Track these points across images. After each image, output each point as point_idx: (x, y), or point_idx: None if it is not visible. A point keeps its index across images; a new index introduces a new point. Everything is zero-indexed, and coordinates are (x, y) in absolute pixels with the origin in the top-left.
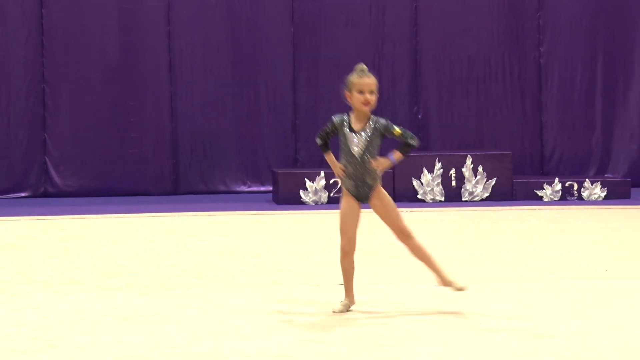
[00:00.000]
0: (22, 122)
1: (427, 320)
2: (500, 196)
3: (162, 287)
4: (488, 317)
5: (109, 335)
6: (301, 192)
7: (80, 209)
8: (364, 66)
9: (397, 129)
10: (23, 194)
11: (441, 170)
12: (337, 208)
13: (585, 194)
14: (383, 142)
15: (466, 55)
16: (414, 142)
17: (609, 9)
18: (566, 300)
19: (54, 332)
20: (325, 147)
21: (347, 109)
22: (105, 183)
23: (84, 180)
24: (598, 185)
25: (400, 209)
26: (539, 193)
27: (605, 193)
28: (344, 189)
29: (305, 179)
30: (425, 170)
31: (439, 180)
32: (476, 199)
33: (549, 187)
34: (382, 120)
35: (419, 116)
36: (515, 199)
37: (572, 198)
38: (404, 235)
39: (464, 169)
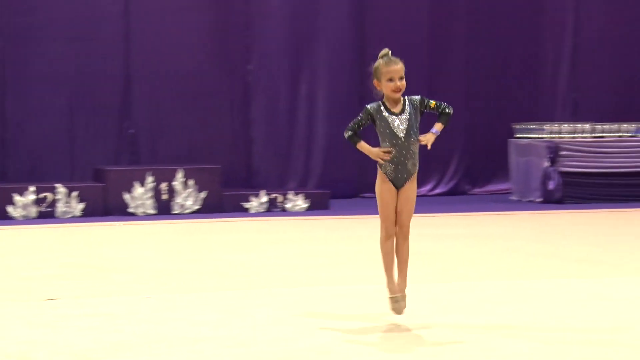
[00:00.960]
0: None
1: (133, 332)
2: (210, 209)
3: None
4: (196, 326)
5: None
6: (9, 207)
7: None
8: (389, 51)
9: (433, 102)
10: None
11: (153, 183)
12: (48, 222)
13: (289, 206)
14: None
15: (177, 72)
16: (450, 110)
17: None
18: (271, 307)
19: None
20: (357, 137)
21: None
22: None
23: None
24: (300, 197)
25: (112, 222)
26: (246, 205)
27: (307, 204)
28: (380, 174)
29: (12, 194)
30: (136, 184)
31: (151, 194)
32: (187, 211)
33: (256, 199)
34: (416, 97)
35: (131, 131)
36: (225, 211)
37: (277, 210)
38: (403, 232)
39: (175, 183)
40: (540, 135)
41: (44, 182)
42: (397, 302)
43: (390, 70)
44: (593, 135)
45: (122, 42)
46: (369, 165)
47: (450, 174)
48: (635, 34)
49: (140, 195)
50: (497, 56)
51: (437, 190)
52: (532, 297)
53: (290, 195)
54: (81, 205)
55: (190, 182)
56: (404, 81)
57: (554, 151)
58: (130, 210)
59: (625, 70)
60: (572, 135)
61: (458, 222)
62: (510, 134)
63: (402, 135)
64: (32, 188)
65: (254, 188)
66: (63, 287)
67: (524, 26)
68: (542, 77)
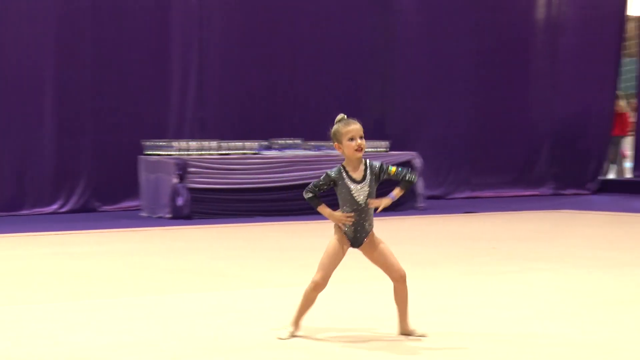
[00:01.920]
0: None
1: None
2: None
3: None
4: None
5: None
6: None
7: None
8: (344, 116)
9: (392, 168)
10: None
11: None
12: None
13: None
14: None
15: None
16: (412, 178)
17: None
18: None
19: None
20: (317, 199)
21: None
22: None
23: None
24: None
25: None
26: None
27: None
28: (338, 231)
29: None
30: None
31: None
32: None
33: None
34: (376, 163)
35: None
36: None
37: None
38: (402, 278)
39: None
40: (169, 152)
41: None
42: (286, 333)
43: (350, 130)
44: (219, 152)
45: None
46: None
47: (79, 191)
48: (255, 55)
49: None
50: (125, 78)
51: (66, 208)
52: (163, 311)
53: None
54: None
55: None
56: (364, 140)
57: (182, 168)
58: None
59: (246, 90)
60: (199, 153)
61: (88, 239)
62: (140, 150)
63: (362, 202)
64: None
65: None
66: None
67: (152, 47)
68: (170, 96)
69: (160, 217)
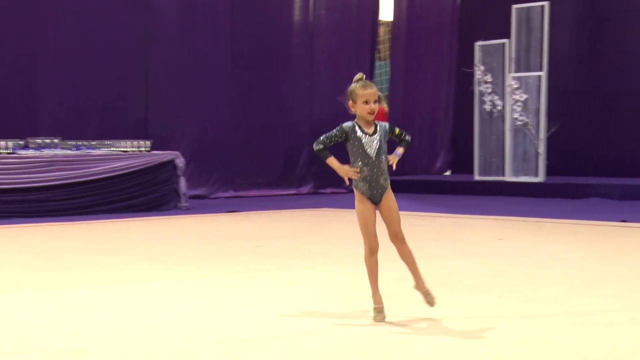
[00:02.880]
0: None
1: None
2: None
3: None
4: None
5: None
6: None
7: None
8: (363, 76)
9: (397, 129)
10: None
11: None
12: None
13: None
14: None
15: None
16: (409, 138)
17: None
18: None
19: None
20: (327, 151)
21: None
22: None
23: None
24: None
25: None
26: None
27: None
28: (357, 194)
29: None
30: None
31: None
32: None
33: None
34: (384, 123)
35: None
36: None
37: None
38: (399, 239)
39: None
40: None
41: None
42: (380, 313)
43: (366, 94)
44: None
45: None
46: None
47: None
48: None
49: None
50: None
51: None
52: None
53: None
54: None
55: None
56: (377, 105)
57: None
58: None
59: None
60: None
61: None
62: None
63: (373, 154)
64: None
65: None
66: None
67: None
68: None
69: None
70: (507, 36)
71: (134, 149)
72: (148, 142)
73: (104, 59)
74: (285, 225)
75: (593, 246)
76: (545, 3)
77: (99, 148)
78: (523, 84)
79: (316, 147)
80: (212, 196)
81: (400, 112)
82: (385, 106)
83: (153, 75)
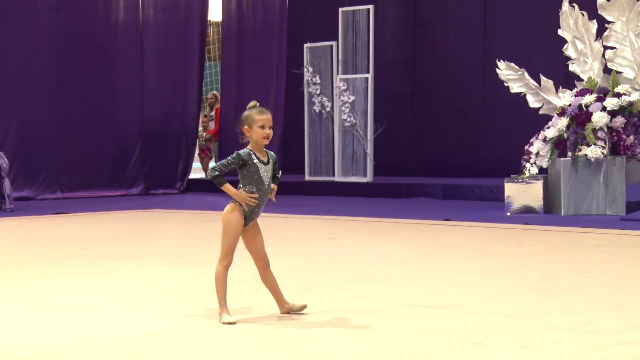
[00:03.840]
0: None
1: None
2: None
3: None
4: None
5: None
6: None
7: None
8: (257, 103)
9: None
10: None
11: None
12: None
13: None
14: None
15: None
16: (280, 174)
17: None
18: None
19: None
20: (222, 178)
21: None
22: None
23: None
24: None
25: None
26: None
27: None
28: (236, 205)
29: None
30: None
31: None
32: None
33: None
34: (273, 153)
35: None
36: None
37: None
38: (265, 263)
39: None
40: None
41: None
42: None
43: (262, 119)
44: None
45: None
46: None
47: None
48: None
49: None
50: None
51: None
52: None
53: None
54: None
55: None
56: (271, 130)
57: None
58: None
59: None
60: None
61: None
62: None
63: (266, 182)
64: None
65: None
66: None
67: None
68: None
69: None
70: (335, 38)
71: None
72: None
73: None
74: (114, 227)
75: (417, 244)
76: (370, 7)
77: None
78: (350, 85)
79: (211, 174)
80: (39, 197)
81: (231, 111)
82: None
83: None
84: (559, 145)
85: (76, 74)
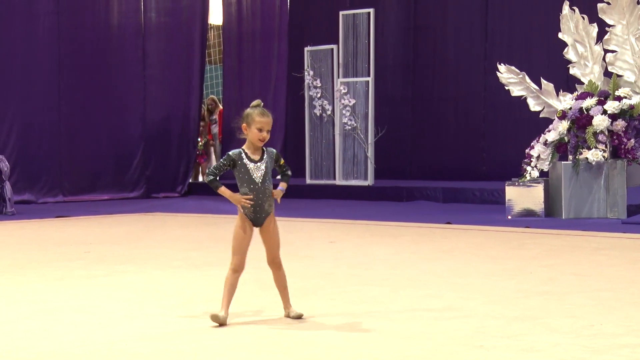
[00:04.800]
0: None
1: None
2: None
3: None
4: None
5: None
6: None
7: None
8: (261, 103)
9: (282, 160)
10: None
11: None
12: None
13: None
14: None
15: None
16: (290, 172)
17: None
18: None
19: None
20: (217, 182)
21: None
22: None
23: None
24: None
25: None
26: None
27: None
28: (241, 214)
29: None
30: None
31: None
32: None
33: None
34: (272, 149)
35: None
36: None
37: None
38: (276, 264)
39: None
40: None
41: None
42: (220, 322)
43: (262, 121)
44: None
45: None
46: None
47: None
48: None
49: None
50: None
51: None
52: None
53: None
54: None
55: None
56: (269, 134)
57: None
58: None
59: None
60: None
61: None
62: None
63: (259, 181)
64: None
65: None
66: None
67: None
68: None
69: None
70: (336, 42)
71: None
72: None
73: None
74: (115, 230)
75: (418, 247)
76: (371, 10)
77: None
78: (351, 89)
79: (207, 179)
80: (41, 201)
81: (233, 114)
82: (220, 106)
83: None
84: (560, 149)
85: (77, 78)
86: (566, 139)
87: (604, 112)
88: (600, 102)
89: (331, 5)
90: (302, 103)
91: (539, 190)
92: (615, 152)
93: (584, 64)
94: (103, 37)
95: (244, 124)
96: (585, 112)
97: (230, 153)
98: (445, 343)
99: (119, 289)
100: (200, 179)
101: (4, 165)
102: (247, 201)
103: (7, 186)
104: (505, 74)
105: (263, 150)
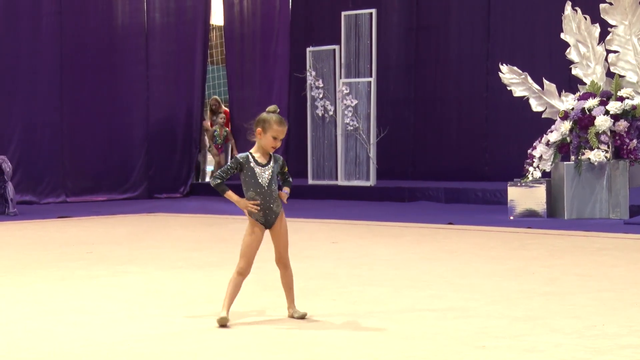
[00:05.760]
0: None
1: None
2: None
3: None
4: None
5: None
6: None
7: None
8: (278, 109)
9: (286, 167)
10: None
11: None
12: None
13: None
14: None
15: None
16: (291, 179)
17: None
18: None
19: None
20: (224, 186)
21: None
22: None
23: None
24: None
25: None
26: None
27: None
28: (250, 220)
29: None
30: None
31: None
32: None
33: None
34: (279, 156)
35: None
36: None
37: None
38: (284, 263)
39: None
40: None
41: None
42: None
43: (279, 130)
44: None
45: None
46: None
47: None
48: None
49: None
50: None
51: None
52: None
53: None
54: None
55: None
56: (281, 142)
57: None
58: None
59: None
60: None
61: None
62: None
63: (265, 184)
64: None
65: None
66: None
67: None
68: None
69: None
70: (338, 42)
71: None
72: None
73: None
74: (117, 231)
75: (420, 248)
76: (373, 11)
77: None
78: (353, 89)
79: (213, 182)
80: (43, 202)
81: (237, 115)
82: (225, 108)
83: None
84: (562, 149)
85: (80, 78)
86: (568, 139)
87: (607, 112)
88: (603, 103)
89: (333, 5)
90: (304, 103)
91: (541, 190)
92: (618, 153)
93: (586, 64)
94: (106, 38)
95: (259, 129)
96: (588, 113)
97: (237, 156)
98: (447, 343)
99: (121, 289)
100: (207, 179)
101: (7, 165)
102: (254, 207)
103: (10, 187)
104: (508, 74)
105: (270, 155)
